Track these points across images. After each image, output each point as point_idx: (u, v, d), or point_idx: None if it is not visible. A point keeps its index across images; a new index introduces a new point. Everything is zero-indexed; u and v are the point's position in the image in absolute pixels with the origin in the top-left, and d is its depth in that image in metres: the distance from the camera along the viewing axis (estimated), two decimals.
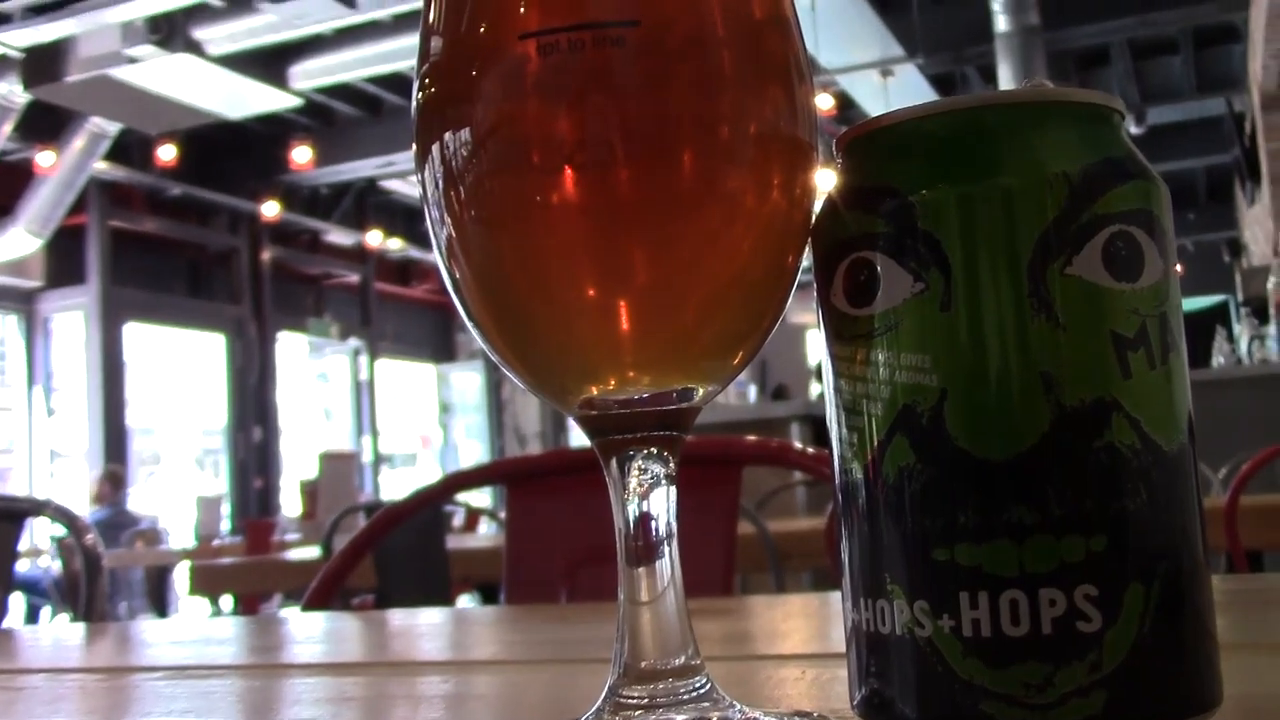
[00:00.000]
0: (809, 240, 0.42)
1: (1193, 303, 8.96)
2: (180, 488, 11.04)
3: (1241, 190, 9.76)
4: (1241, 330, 6.48)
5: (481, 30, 0.43)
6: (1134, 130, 10.87)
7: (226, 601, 5.72)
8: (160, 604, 8.09)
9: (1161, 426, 0.35)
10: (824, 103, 9.23)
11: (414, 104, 0.45)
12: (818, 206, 0.41)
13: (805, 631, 0.87)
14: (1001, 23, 8.76)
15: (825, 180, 0.41)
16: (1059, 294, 0.34)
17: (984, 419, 0.34)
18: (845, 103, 10.15)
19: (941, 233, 0.35)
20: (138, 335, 11.09)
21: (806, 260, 0.44)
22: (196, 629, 1.27)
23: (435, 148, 0.43)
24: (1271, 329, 5.44)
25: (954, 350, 0.35)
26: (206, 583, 4.50)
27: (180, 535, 8.84)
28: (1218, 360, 6.57)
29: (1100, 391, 0.34)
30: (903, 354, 0.36)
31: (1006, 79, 8.70)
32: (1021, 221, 0.35)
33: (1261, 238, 8.57)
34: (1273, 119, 7.97)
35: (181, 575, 7.30)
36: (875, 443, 0.36)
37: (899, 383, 0.36)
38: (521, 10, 0.42)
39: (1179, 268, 0.39)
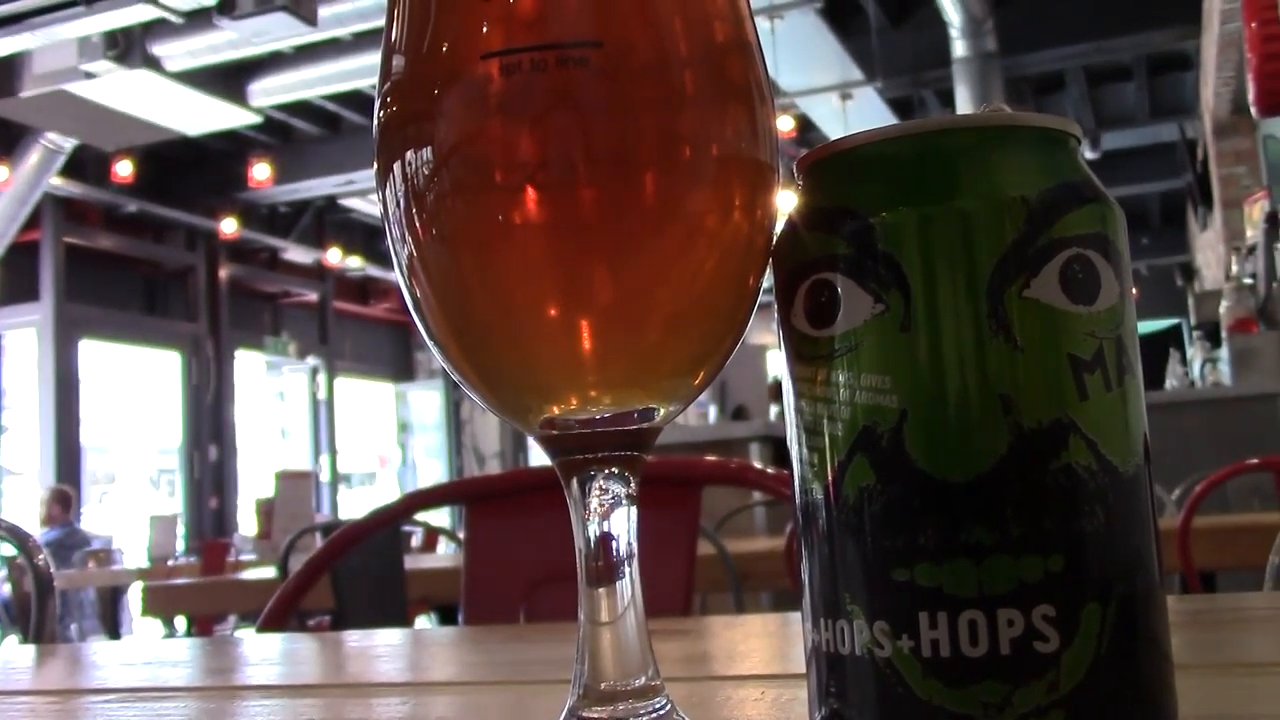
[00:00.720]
0: (770, 261, 0.42)
1: (1147, 326, 9.07)
2: (134, 507, 10.90)
3: (1194, 215, 9.90)
4: (1194, 353, 6.56)
5: (444, 49, 0.43)
6: (1089, 155, 11.01)
7: (180, 623, 5.65)
8: (112, 625, 7.97)
9: (1117, 448, 0.35)
10: (784, 125, 9.29)
11: (375, 122, 0.45)
12: (779, 228, 0.42)
13: (765, 652, 0.87)
14: (959, 48, 8.87)
15: (786, 202, 0.41)
16: (1017, 316, 0.35)
17: (943, 440, 0.35)
18: (805, 125, 10.23)
19: (901, 255, 0.35)
20: (92, 353, 10.96)
21: (767, 281, 0.44)
22: (149, 651, 1.25)
23: (397, 166, 0.43)
24: (1223, 352, 5.51)
25: (914, 371, 0.35)
26: (160, 604, 4.44)
27: (134, 555, 8.72)
28: (1171, 383, 6.65)
29: (1057, 413, 0.35)
30: (863, 375, 0.36)
31: (964, 103, 8.81)
32: (980, 244, 0.35)
33: (1213, 262, 8.69)
34: (1224, 145, 8.11)
35: (134, 596, 7.20)
36: (835, 463, 0.36)
37: (859, 403, 0.36)
38: (484, 30, 0.42)
39: (1134, 291, 0.39)
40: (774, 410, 8.16)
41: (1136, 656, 0.35)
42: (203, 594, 4.47)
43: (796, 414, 0.38)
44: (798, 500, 0.39)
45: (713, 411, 7.56)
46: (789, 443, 0.39)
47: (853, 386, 0.36)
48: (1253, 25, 4.42)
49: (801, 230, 0.39)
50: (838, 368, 0.36)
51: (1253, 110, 4.80)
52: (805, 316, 0.38)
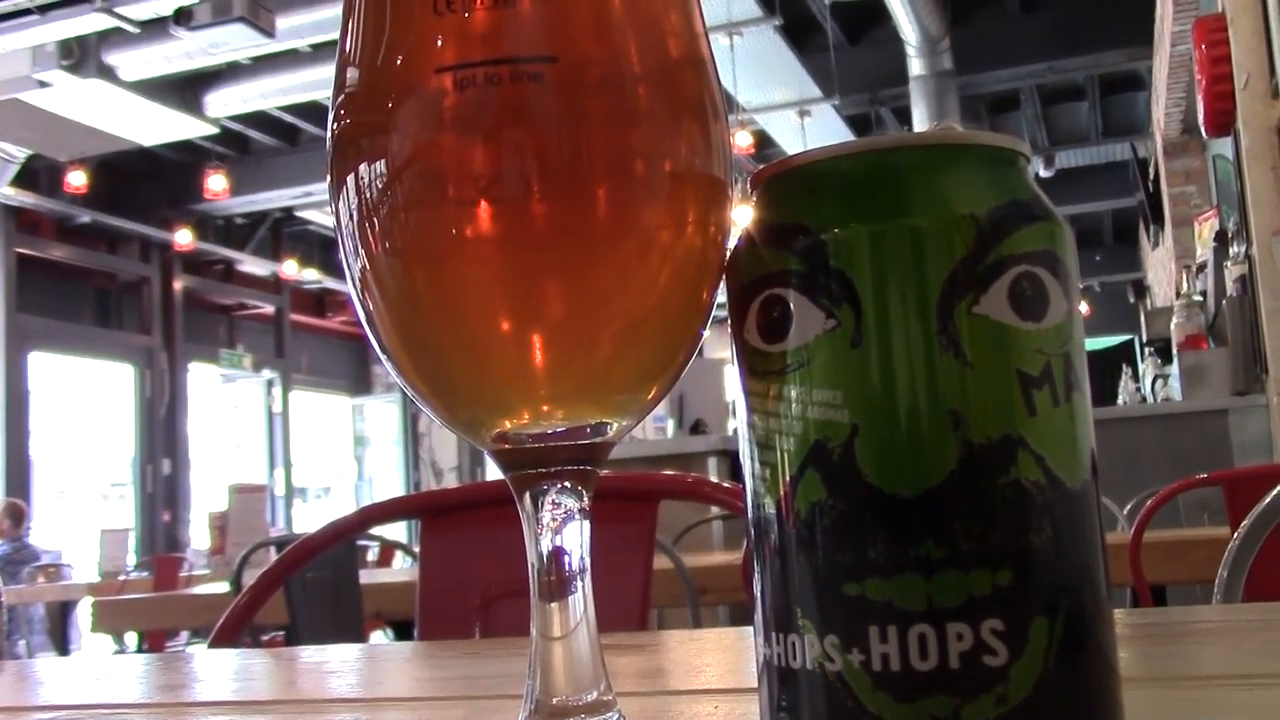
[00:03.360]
0: (724, 276, 0.42)
1: (1099, 342, 9.18)
2: (85, 521, 10.75)
3: (1146, 233, 10.03)
4: (1146, 369, 6.65)
5: (398, 62, 0.43)
6: (1043, 173, 11.16)
7: (131, 639, 5.57)
8: (61, 641, 7.85)
9: (1065, 463, 0.36)
10: (743, 140, 9.34)
11: (329, 135, 0.45)
12: (733, 243, 0.42)
13: (720, 666, 0.87)
14: (916, 67, 8.97)
15: (741, 217, 0.41)
16: (966, 333, 0.35)
17: (893, 455, 0.35)
18: (764, 141, 10.29)
19: (853, 271, 0.36)
20: (43, 365, 10.81)
21: (722, 296, 0.45)
22: (99, 667, 1.24)
23: (350, 179, 0.43)
24: (1174, 369, 5.59)
25: (864, 386, 0.35)
26: (110, 619, 4.38)
27: (84, 570, 8.60)
28: (1123, 398, 6.73)
29: (1006, 429, 0.35)
30: (814, 390, 0.36)
31: (921, 121, 8.90)
32: (930, 261, 0.35)
33: (1164, 279, 8.81)
34: (1174, 164, 8.23)
35: (84, 611, 7.10)
36: (787, 478, 0.37)
37: (811, 418, 0.36)
38: (439, 43, 0.42)
39: (1085, 308, 0.40)
40: (731, 425, 8.18)
41: (1084, 670, 0.35)
42: (154, 609, 4.41)
43: (749, 429, 0.38)
44: (750, 515, 0.39)
45: (670, 425, 7.55)
46: (742, 457, 0.39)
47: (804, 401, 0.36)
48: (1202, 48, 4.50)
49: (755, 245, 0.39)
50: (789, 383, 0.37)
51: (1202, 130, 4.88)
52: (758, 331, 0.38)
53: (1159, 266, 9.40)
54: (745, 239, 0.40)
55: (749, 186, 0.41)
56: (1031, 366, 0.35)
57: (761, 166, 0.39)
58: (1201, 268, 6.07)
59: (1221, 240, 5.32)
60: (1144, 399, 6.44)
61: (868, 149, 0.37)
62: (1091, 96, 10.80)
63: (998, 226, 0.36)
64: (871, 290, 0.35)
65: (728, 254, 0.45)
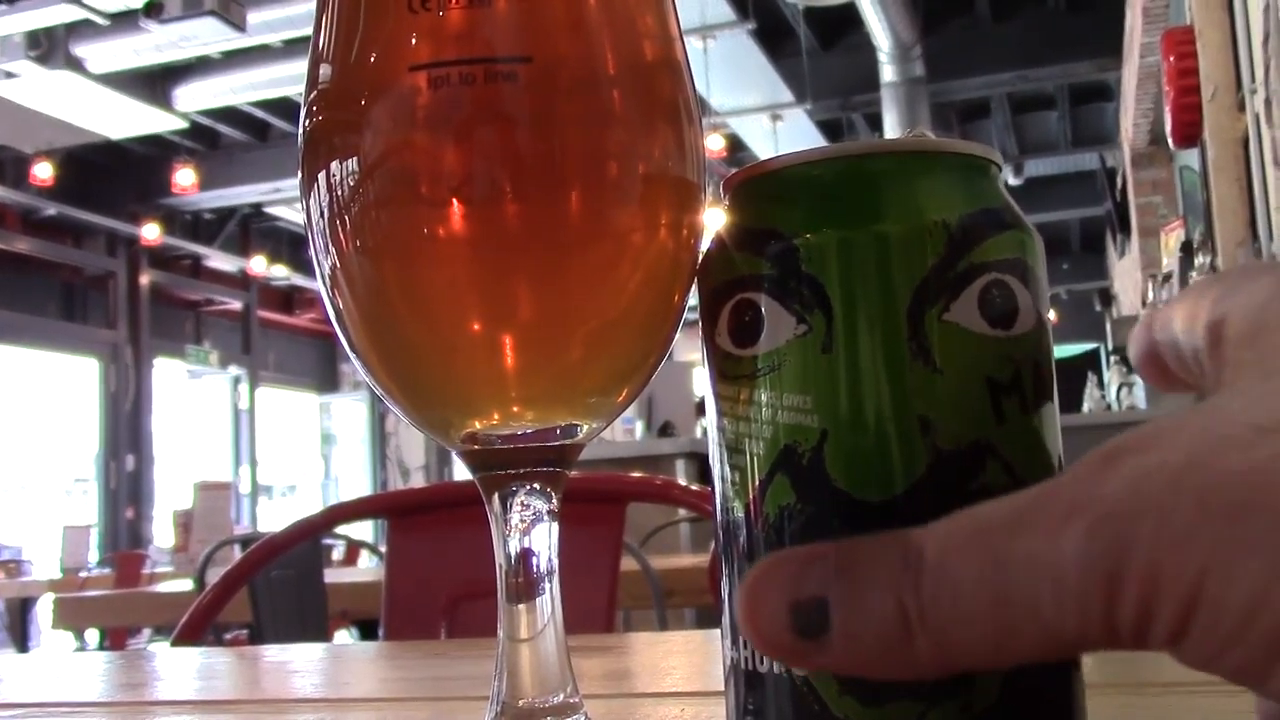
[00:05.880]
0: (695, 280, 0.42)
1: (1065, 350, 9.25)
2: (47, 516, 10.64)
3: (1113, 242, 10.13)
4: (1111, 377, 6.71)
5: (371, 60, 0.43)
6: (1012, 181, 11.23)
7: (92, 636, 5.52)
8: (21, 638, 7.77)
9: (1033, 470, 0.36)
10: (715, 144, 9.36)
11: (301, 131, 0.45)
12: (705, 246, 0.42)
13: (686, 669, 0.87)
14: (888, 73, 9.01)
15: (713, 220, 0.41)
16: (937, 339, 0.35)
17: (863, 461, 0.35)
18: (736, 144, 10.31)
19: (824, 276, 0.36)
20: (6, 358, 10.70)
21: (693, 299, 0.45)
22: (59, 664, 1.22)
23: (321, 176, 0.43)
24: (1138, 377, 5.63)
25: (835, 392, 0.35)
26: (71, 616, 4.33)
27: (45, 566, 8.52)
28: (1088, 406, 6.79)
29: (976, 435, 0.35)
30: (785, 394, 0.36)
31: (892, 127, 8.94)
32: (901, 267, 0.35)
33: (1130, 288, 8.89)
34: (1142, 175, 8.30)
35: (45, 608, 7.03)
36: (757, 481, 0.37)
37: (781, 423, 0.36)
38: (413, 41, 0.42)
39: (1053, 316, 0.40)
40: (700, 427, 8.19)
41: (1049, 677, 0.35)
42: (116, 606, 4.37)
43: (719, 432, 0.38)
44: (719, 518, 0.39)
45: (639, 428, 7.56)
46: (711, 461, 0.39)
47: (774, 406, 0.36)
48: (1170, 59, 4.54)
49: (727, 249, 0.39)
50: (760, 387, 0.37)
51: (1169, 141, 4.93)
52: (729, 335, 0.38)
53: (1125, 276, 9.48)
54: (717, 242, 0.40)
55: (721, 190, 0.41)
56: (1001, 374, 0.36)
57: (735, 170, 0.39)
58: (1167, 278, 6.13)
59: (1187, 251, 5.37)
60: (1109, 406, 6.50)
61: (840, 154, 0.37)
62: (1061, 106, 10.88)
63: (969, 234, 0.36)
64: (843, 296, 0.35)
65: (700, 257, 0.45)
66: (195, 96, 9.17)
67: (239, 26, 7.09)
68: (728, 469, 0.38)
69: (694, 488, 1.53)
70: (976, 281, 0.36)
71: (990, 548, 0.27)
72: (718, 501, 0.39)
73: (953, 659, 0.27)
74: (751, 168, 0.39)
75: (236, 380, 13.33)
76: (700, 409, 8.56)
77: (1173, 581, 0.24)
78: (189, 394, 12.98)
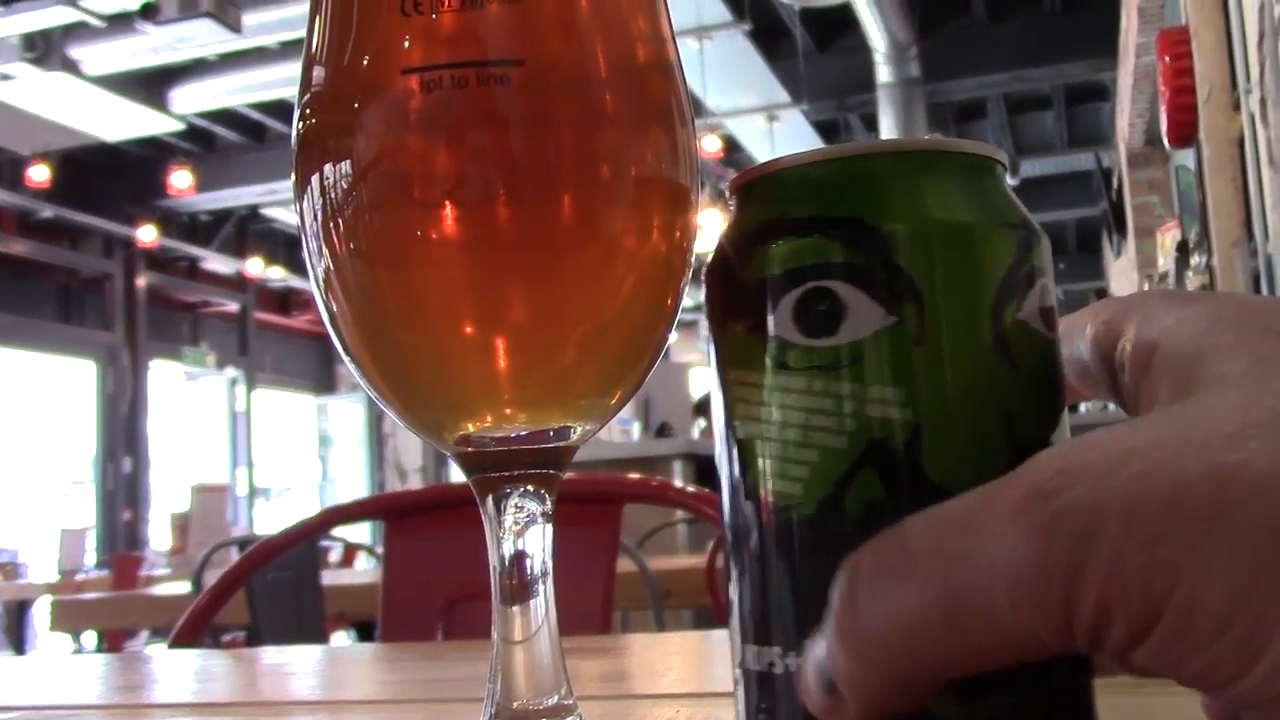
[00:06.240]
0: (724, 270, 0.40)
1: None
2: (44, 519, 10.63)
3: (1109, 242, 10.13)
4: None
5: (365, 63, 0.43)
6: (1009, 181, 11.23)
7: (89, 638, 5.51)
8: (18, 640, 7.76)
9: None
10: (711, 145, 9.36)
11: (294, 134, 0.45)
12: (761, 234, 0.40)
13: (683, 670, 0.87)
14: (883, 74, 9.02)
15: (770, 205, 0.40)
16: (1015, 337, 0.36)
17: (957, 455, 0.35)
18: (732, 145, 10.31)
19: (917, 268, 0.35)
20: (3, 361, 10.69)
21: (688, 301, 0.45)
22: (56, 667, 1.22)
23: (315, 179, 0.43)
24: None
25: (928, 385, 0.35)
26: (68, 618, 4.33)
27: (42, 568, 8.51)
28: (1085, 407, 6.80)
29: (1042, 434, 0.36)
30: (872, 386, 0.35)
31: (888, 128, 8.95)
32: (988, 265, 0.36)
33: (1126, 288, 8.90)
34: (1138, 175, 8.31)
35: (42, 610, 7.02)
36: (835, 476, 0.35)
37: (867, 415, 0.35)
38: (406, 45, 0.42)
39: None
40: (697, 428, 8.19)
41: (1064, 673, 0.35)
42: (113, 609, 4.37)
43: (763, 426, 0.37)
44: (752, 517, 0.37)
45: (636, 429, 7.56)
46: (735, 460, 0.38)
47: (859, 398, 0.35)
48: (1165, 60, 4.55)
49: (789, 235, 0.38)
50: (839, 378, 0.35)
51: (1165, 142, 4.94)
52: (795, 324, 0.36)
53: (1121, 275, 9.49)
54: (771, 228, 0.38)
55: (775, 175, 0.39)
56: (1056, 376, 0.37)
57: (812, 153, 0.38)
58: (1163, 278, 6.14)
59: (1183, 251, 5.38)
60: (1105, 407, 6.51)
61: (935, 149, 0.37)
62: (1057, 106, 10.89)
63: (1031, 237, 0.37)
64: (936, 289, 0.35)
65: (691, 258, 0.45)
66: (191, 98, 9.17)
67: (235, 28, 7.09)
68: (777, 464, 0.36)
69: (690, 489, 1.53)
70: (1035, 285, 0.37)
71: (940, 546, 0.27)
72: (745, 498, 0.38)
73: (903, 670, 0.27)
74: (831, 153, 0.38)
75: (233, 382, 13.31)
76: (699, 410, 8.55)
77: (1140, 582, 0.24)
78: (186, 396, 12.96)
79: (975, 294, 0.36)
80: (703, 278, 0.40)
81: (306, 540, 1.79)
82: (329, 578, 3.55)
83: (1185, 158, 5.63)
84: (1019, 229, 0.37)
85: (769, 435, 0.37)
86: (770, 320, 0.37)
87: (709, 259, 0.39)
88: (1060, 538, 0.25)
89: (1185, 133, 4.47)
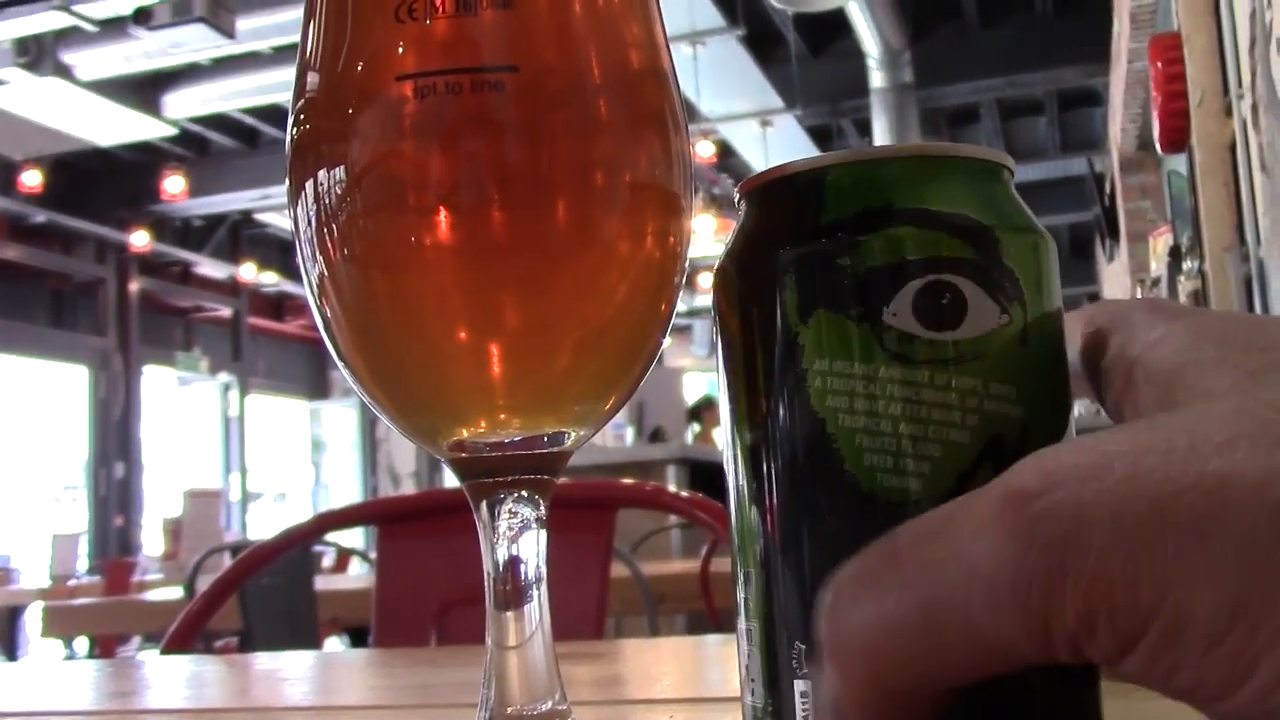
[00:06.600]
0: (810, 258, 0.37)
1: None
2: (36, 524, 10.59)
3: (1101, 247, 10.15)
4: None
5: (359, 69, 0.43)
6: None
7: (82, 644, 5.50)
8: (10, 647, 7.74)
9: None
10: (705, 150, 9.38)
11: (288, 140, 0.45)
12: (863, 224, 0.37)
13: (677, 675, 0.87)
14: (877, 79, 9.03)
15: (899, 190, 0.41)
16: (1061, 338, 0.38)
17: None
18: (726, 150, 10.32)
19: (1021, 270, 0.37)
20: None
21: (681, 305, 0.45)
22: (48, 673, 1.22)
23: (309, 185, 0.43)
24: None
25: (1033, 383, 0.36)
26: (61, 624, 4.32)
27: (34, 574, 8.48)
28: (1079, 410, 6.80)
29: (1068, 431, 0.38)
30: (991, 383, 0.35)
31: (881, 133, 8.97)
32: (1054, 270, 0.38)
33: (1119, 293, 8.91)
34: (1130, 180, 8.32)
35: (34, 616, 7.00)
36: (959, 469, 0.35)
37: (987, 411, 0.35)
38: (400, 51, 0.42)
39: None
40: (690, 433, 8.19)
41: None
42: (105, 614, 4.36)
43: (871, 418, 0.36)
44: (846, 511, 0.36)
45: (630, 434, 7.55)
46: (814, 452, 0.36)
47: (980, 394, 0.35)
48: (1157, 65, 4.56)
49: (921, 225, 0.37)
50: (962, 373, 0.36)
51: (1157, 147, 4.95)
52: (915, 315, 0.36)
53: (1114, 280, 9.51)
54: (879, 218, 0.37)
55: (902, 163, 0.38)
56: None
57: (905, 144, 0.39)
58: (1155, 283, 6.15)
59: (1175, 256, 5.39)
60: (1098, 411, 6.51)
61: (1000, 160, 0.39)
62: (1050, 111, 10.91)
63: (1056, 244, 0.39)
64: (1034, 291, 0.37)
65: (685, 264, 0.45)
66: (184, 103, 9.15)
67: (228, 33, 7.08)
68: (889, 458, 0.35)
69: (684, 493, 1.53)
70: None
71: (920, 551, 0.26)
72: (831, 493, 0.36)
73: (887, 681, 0.27)
74: (920, 148, 0.38)
75: (226, 387, 13.29)
76: (693, 415, 8.54)
77: (1126, 592, 0.23)
78: (179, 401, 12.94)
79: (1052, 297, 0.37)
80: (777, 267, 0.37)
81: (299, 545, 1.79)
82: (322, 583, 3.55)
83: (1177, 163, 5.65)
84: (1056, 236, 0.39)
85: (881, 429, 0.36)
86: (886, 311, 0.36)
87: (782, 248, 0.37)
88: (1041, 541, 0.24)
89: (1177, 138, 4.48)
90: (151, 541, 10.65)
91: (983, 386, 0.35)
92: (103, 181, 11.03)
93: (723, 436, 0.40)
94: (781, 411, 0.37)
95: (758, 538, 0.38)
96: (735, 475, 0.38)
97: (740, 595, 0.38)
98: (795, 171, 0.39)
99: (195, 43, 7.32)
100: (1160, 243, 6.33)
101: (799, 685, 0.36)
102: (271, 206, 11.48)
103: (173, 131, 9.45)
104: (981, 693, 0.33)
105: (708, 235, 9.98)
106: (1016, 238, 0.37)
